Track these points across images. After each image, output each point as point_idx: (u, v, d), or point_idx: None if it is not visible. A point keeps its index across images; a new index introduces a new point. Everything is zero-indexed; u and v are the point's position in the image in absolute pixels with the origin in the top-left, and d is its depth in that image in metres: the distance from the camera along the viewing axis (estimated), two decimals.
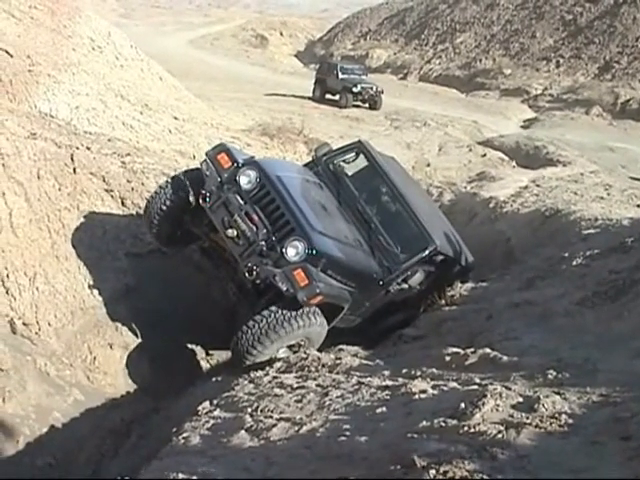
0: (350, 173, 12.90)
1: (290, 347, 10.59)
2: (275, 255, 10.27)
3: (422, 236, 11.97)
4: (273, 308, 10.13)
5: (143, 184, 14.20)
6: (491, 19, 69.71)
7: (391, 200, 12.62)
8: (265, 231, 10.39)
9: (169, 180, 12.02)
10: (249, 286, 10.62)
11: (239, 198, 10.66)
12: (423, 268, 12.32)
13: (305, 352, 10.04)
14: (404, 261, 11.79)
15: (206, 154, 11.44)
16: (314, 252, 10.15)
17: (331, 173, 12.52)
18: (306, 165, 12.88)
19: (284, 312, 10.06)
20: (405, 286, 12.05)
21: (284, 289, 9.93)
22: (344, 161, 12.84)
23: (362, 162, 12.99)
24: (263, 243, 10.34)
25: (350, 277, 10.86)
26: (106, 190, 13.78)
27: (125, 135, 19.15)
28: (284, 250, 10.17)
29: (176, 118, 23.26)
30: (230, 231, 10.55)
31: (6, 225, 12.11)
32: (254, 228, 10.42)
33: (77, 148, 14.01)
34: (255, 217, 10.48)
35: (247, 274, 10.33)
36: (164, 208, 11.64)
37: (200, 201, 10.89)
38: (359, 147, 12.89)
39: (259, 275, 10.25)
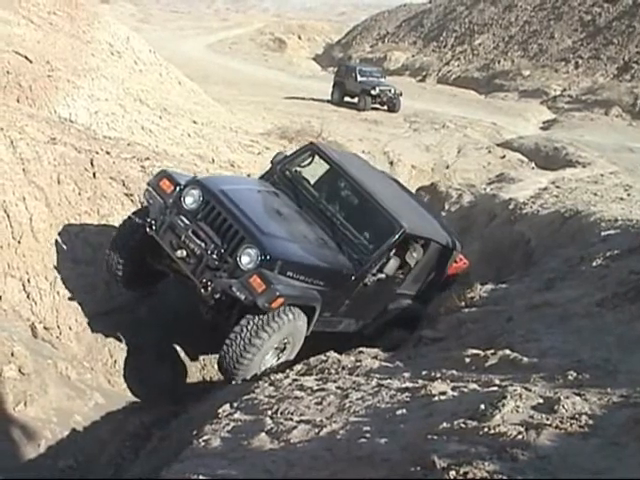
0: (307, 176, 12.81)
1: (276, 349, 10.62)
2: (230, 267, 10.23)
3: (387, 222, 11.74)
4: (248, 317, 10.13)
5: None
6: (509, 20, 69.62)
7: (352, 193, 12.48)
8: (213, 245, 10.34)
9: (121, 226, 12.04)
10: (211, 303, 10.52)
11: (184, 219, 10.62)
12: (400, 254, 12.17)
13: (325, 355, 10.05)
14: (373, 250, 11.62)
15: (148, 184, 11.42)
16: (267, 257, 10.10)
17: (288, 180, 12.37)
18: (262, 176, 12.72)
19: (259, 317, 10.08)
20: (382, 275, 11.82)
21: (242, 298, 9.91)
22: (300, 165, 12.71)
23: (319, 164, 12.94)
24: (214, 257, 10.30)
25: (315, 276, 10.80)
26: (126, 194, 13.82)
27: (144, 139, 19.23)
28: (238, 259, 10.13)
29: (195, 122, 23.35)
30: (179, 252, 10.54)
31: (27, 230, 12.18)
32: (202, 244, 10.38)
33: (97, 153, 14.06)
34: (202, 234, 10.45)
35: (203, 290, 10.30)
36: (124, 254, 11.64)
37: (147, 230, 10.86)
38: (312, 149, 12.77)
39: (215, 289, 10.22)
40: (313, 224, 11.67)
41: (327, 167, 12.94)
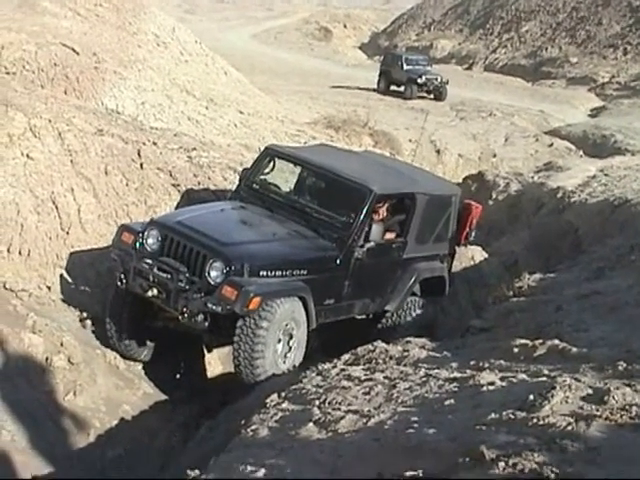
0: (275, 181, 12.85)
1: (284, 335, 10.54)
2: (203, 287, 10.17)
3: (356, 190, 11.67)
4: (239, 321, 10.09)
5: (209, 178, 14.25)
6: (557, 7, 68.95)
7: (317, 178, 12.64)
8: (178, 273, 10.28)
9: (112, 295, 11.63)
10: (204, 327, 10.36)
11: (148, 260, 10.56)
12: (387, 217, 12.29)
13: (372, 344, 10.02)
14: (351, 223, 11.48)
15: (112, 241, 11.36)
16: (232, 265, 10.07)
17: (255, 191, 12.35)
18: (231, 196, 12.67)
19: (247, 320, 10.03)
20: (371, 244, 11.57)
21: (220, 310, 9.92)
22: (264, 173, 12.67)
23: (282, 166, 13.12)
24: (181, 283, 10.23)
25: (293, 267, 10.75)
26: (173, 185, 13.85)
27: (191, 130, 19.27)
28: (208, 277, 10.12)
29: (241, 112, 23.35)
30: (150, 292, 10.46)
31: (75, 221, 12.27)
32: (169, 276, 10.32)
33: (144, 143, 14.10)
34: (166, 267, 10.39)
35: (181, 318, 10.25)
36: (124, 325, 11.36)
37: (119, 285, 10.79)
38: (268, 153, 12.77)
39: (192, 312, 10.14)
40: (286, 221, 11.61)
41: (293, 168, 13.24)
